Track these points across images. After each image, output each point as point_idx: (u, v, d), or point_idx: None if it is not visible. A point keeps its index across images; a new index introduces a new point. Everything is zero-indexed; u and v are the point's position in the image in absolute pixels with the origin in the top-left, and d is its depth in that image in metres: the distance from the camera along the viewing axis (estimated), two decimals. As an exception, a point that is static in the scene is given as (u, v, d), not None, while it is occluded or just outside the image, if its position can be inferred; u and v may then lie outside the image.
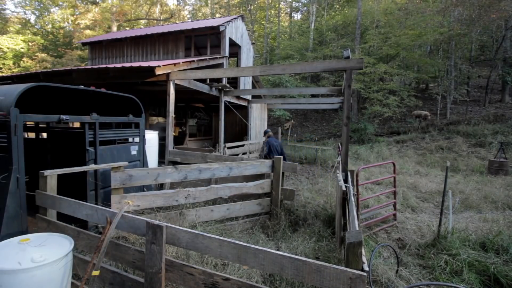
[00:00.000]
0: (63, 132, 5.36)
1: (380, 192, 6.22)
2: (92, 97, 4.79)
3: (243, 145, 9.74)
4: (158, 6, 30.85)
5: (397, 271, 3.19)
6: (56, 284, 1.98)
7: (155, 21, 29.78)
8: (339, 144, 5.96)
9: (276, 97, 14.58)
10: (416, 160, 11.18)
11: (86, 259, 2.47)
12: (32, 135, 5.99)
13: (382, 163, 5.80)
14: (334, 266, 1.49)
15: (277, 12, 31.93)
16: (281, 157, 4.62)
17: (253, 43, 12.73)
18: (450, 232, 3.93)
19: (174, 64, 6.23)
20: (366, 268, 1.65)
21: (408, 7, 18.93)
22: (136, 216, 2.16)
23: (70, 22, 28.93)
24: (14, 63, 24.38)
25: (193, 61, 7.07)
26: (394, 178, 5.14)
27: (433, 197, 6.66)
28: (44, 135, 5.73)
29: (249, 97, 11.59)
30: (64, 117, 3.49)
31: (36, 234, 2.28)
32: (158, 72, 5.84)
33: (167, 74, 6.13)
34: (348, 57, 4.69)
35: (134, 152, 4.79)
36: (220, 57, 8.68)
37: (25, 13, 28.92)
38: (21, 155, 3.00)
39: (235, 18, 10.25)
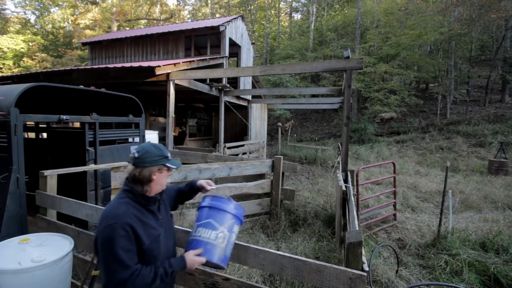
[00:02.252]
0: (63, 132, 5.35)
1: (380, 192, 6.22)
2: (92, 97, 4.79)
3: (243, 145, 9.74)
4: (158, 6, 30.85)
5: (397, 271, 3.19)
6: (56, 284, 1.98)
7: (155, 21, 29.77)
8: (339, 144, 5.96)
9: (276, 97, 14.58)
10: (416, 160, 11.18)
11: (86, 259, 2.47)
12: (32, 135, 5.98)
13: (382, 163, 5.81)
14: (334, 266, 1.49)
15: (277, 12, 31.92)
16: (281, 157, 4.62)
17: (253, 43, 12.73)
18: (450, 232, 3.93)
19: (174, 64, 6.23)
20: (366, 268, 1.65)
21: (408, 7, 18.91)
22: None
23: (70, 22, 28.93)
24: (14, 63, 24.38)
25: (193, 61, 7.07)
26: (394, 178, 5.14)
27: (433, 197, 6.66)
28: (44, 135, 5.73)
29: (249, 97, 11.59)
30: (64, 117, 3.49)
31: (36, 234, 2.28)
32: (158, 72, 5.84)
33: (167, 74, 6.13)
34: (348, 57, 4.69)
35: (134, 152, 4.78)
36: (220, 57, 8.68)
37: (25, 13, 28.96)
38: (21, 155, 3.00)
39: (235, 18, 10.25)
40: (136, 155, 1.37)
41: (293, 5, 32.43)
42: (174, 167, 1.46)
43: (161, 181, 1.44)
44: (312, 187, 6.93)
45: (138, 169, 1.36)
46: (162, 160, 1.41)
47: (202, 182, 1.71)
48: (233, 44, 10.27)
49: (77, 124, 8.07)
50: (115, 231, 1.23)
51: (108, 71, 6.41)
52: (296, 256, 1.59)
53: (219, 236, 1.42)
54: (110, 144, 4.55)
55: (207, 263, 1.39)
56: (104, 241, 1.24)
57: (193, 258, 1.37)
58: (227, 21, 9.52)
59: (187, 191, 1.76)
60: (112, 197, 3.59)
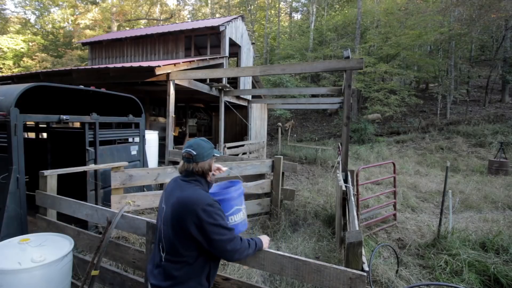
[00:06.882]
0: (63, 132, 5.35)
1: (380, 192, 6.22)
2: (92, 97, 4.79)
3: (243, 145, 9.73)
4: (158, 6, 30.83)
5: (397, 271, 3.19)
6: (56, 284, 1.98)
7: (155, 21, 29.75)
8: (339, 144, 5.96)
9: (276, 97, 14.56)
10: (416, 160, 11.17)
11: (86, 259, 2.47)
12: (32, 135, 5.99)
13: (382, 163, 5.81)
14: (334, 266, 1.49)
15: (277, 12, 31.90)
16: (281, 157, 4.62)
17: (253, 43, 12.72)
18: (450, 232, 3.93)
19: (174, 64, 6.23)
20: (366, 268, 1.65)
21: (408, 7, 18.91)
22: (136, 216, 2.16)
23: (70, 22, 28.93)
24: (14, 63, 24.37)
25: (193, 61, 7.06)
26: (394, 178, 5.14)
27: (433, 197, 6.66)
28: (44, 135, 5.73)
29: (249, 97, 11.58)
30: (64, 117, 3.49)
31: (36, 234, 2.28)
32: (158, 72, 5.83)
33: (167, 74, 6.13)
34: (348, 57, 4.69)
35: (134, 152, 4.79)
36: (220, 57, 8.68)
37: (25, 13, 28.93)
38: (21, 155, 3.00)
39: (235, 18, 10.24)
40: (194, 153, 1.50)
41: (293, 5, 32.43)
42: (218, 155, 1.65)
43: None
44: (312, 187, 6.93)
45: (200, 163, 1.52)
46: (212, 150, 1.60)
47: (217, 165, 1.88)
48: (233, 44, 10.26)
49: (77, 124, 8.08)
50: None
51: (108, 71, 6.41)
52: (296, 256, 1.59)
53: (243, 212, 1.84)
54: (110, 144, 4.55)
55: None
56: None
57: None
58: (227, 21, 9.51)
59: None
60: (112, 197, 3.59)
